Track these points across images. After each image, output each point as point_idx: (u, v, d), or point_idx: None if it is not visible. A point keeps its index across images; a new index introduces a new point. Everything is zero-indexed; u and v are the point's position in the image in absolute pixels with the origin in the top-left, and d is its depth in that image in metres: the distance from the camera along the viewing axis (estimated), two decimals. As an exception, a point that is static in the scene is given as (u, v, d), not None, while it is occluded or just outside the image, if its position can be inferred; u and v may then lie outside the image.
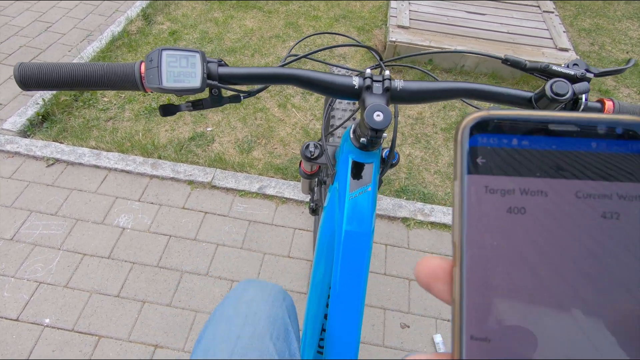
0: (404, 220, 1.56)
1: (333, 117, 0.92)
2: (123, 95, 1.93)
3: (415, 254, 1.47)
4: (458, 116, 1.99)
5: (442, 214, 1.57)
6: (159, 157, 1.68)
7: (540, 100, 0.45)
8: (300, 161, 0.84)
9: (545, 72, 0.46)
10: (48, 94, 1.82)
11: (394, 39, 2.15)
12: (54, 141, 1.69)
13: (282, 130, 1.85)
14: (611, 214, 0.15)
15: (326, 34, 0.64)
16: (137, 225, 1.46)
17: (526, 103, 0.47)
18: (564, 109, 0.46)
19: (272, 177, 1.65)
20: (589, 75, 0.45)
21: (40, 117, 1.76)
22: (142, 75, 0.43)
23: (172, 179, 1.60)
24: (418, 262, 0.19)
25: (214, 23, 2.39)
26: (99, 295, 1.28)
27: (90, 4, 2.46)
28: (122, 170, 1.61)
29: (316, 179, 1.07)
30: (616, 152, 0.16)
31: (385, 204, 1.58)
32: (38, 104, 1.79)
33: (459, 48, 2.13)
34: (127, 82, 0.43)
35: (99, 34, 2.23)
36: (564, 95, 0.42)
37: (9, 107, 1.82)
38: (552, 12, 2.46)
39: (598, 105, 0.47)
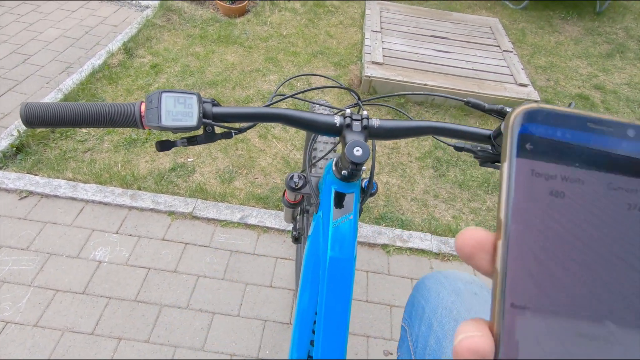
0: (384, 246, 1.59)
1: (315, 149, 0.97)
2: (102, 126, 1.92)
3: (395, 280, 1.50)
4: (431, 146, 2.10)
5: (420, 240, 1.63)
6: (139, 188, 1.67)
7: (497, 138, 0.51)
8: (284, 191, 0.88)
9: (501, 113, 0.53)
10: (23, 126, 1.79)
11: (369, 74, 2.28)
12: (28, 173, 1.65)
13: (263, 160, 1.88)
14: (635, 206, 0.17)
15: (308, 74, 0.70)
16: (114, 258, 1.43)
17: (485, 140, 0.54)
18: None
19: (253, 206, 1.67)
20: (537, 116, 0.51)
21: (15, 148, 1.73)
22: (142, 114, 0.47)
23: (151, 210, 1.59)
24: (461, 234, 0.19)
25: (196, 57, 2.46)
26: (72, 334, 1.23)
27: (70, 37, 2.48)
28: (100, 202, 1.59)
29: (299, 208, 1.10)
30: None
31: (366, 231, 1.63)
32: (12, 135, 1.76)
33: (429, 84, 2.28)
34: (127, 120, 0.47)
35: (79, 67, 2.24)
36: None
37: (-20, 139, 1.77)
38: (511, 52, 2.69)
39: None
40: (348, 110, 0.55)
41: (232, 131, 0.54)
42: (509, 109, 0.53)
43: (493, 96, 2.28)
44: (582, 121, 0.18)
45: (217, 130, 0.52)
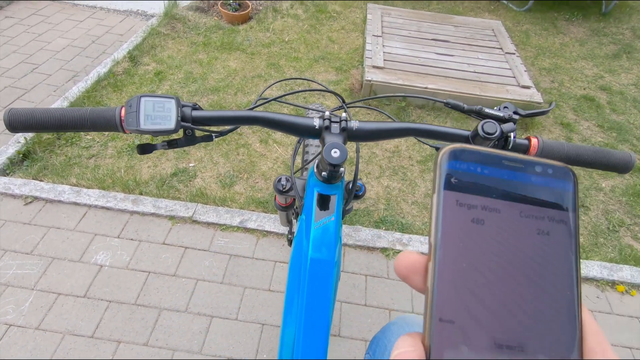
0: (383, 250, 1.59)
1: (307, 152, 0.98)
2: (107, 133, 1.96)
3: (395, 283, 1.49)
4: (432, 150, 2.09)
5: (420, 244, 1.61)
6: (141, 193, 1.69)
7: (475, 138, 0.51)
8: (276, 194, 0.88)
9: (480, 114, 0.53)
10: (31, 133, 1.84)
11: (369, 78, 2.28)
12: (33, 179, 1.69)
13: (263, 165, 1.90)
14: (543, 232, 0.20)
15: (292, 78, 0.71)
16: (115, 262, 1.45)
17: (464, 140, 0.53)
18: (496, 145, 0.52)
19: (253, 210, 1.68)
20: (515, 116, 0.51)
21: (21, 155, 1.77)
22: (122, 118, 0.48)
23: (152, 214, 1.61)
24: (398, 257, 0.22)
25: (199, 64, 2.50)
26: (72, 337, 1.25)
27: (78, 47, 2.54)
28: (103, 207, 1.61)
29: (293, 212, 1.11)
30: (547, 185, 0.21)
31: (365, 235, 1.62)
32: (20, 142, 1.80)
33: (430, 87, 2.28)
34: (108, 124, 0.48)
35: (85, 75, 2.29)
36: (493, 133, 0.49)
37: (-11, 146, 1.82)
38: (514, 54, 2.67)
39: (525, 142, 0.53)
40: (327, 113, 0.55)
41: (213, 134, 0.55)
42: (487, 110, 0.53)
43: (495, 99, 2.26)
44: (498, 159, 0.21)
45: (198, 133, 0.53)
